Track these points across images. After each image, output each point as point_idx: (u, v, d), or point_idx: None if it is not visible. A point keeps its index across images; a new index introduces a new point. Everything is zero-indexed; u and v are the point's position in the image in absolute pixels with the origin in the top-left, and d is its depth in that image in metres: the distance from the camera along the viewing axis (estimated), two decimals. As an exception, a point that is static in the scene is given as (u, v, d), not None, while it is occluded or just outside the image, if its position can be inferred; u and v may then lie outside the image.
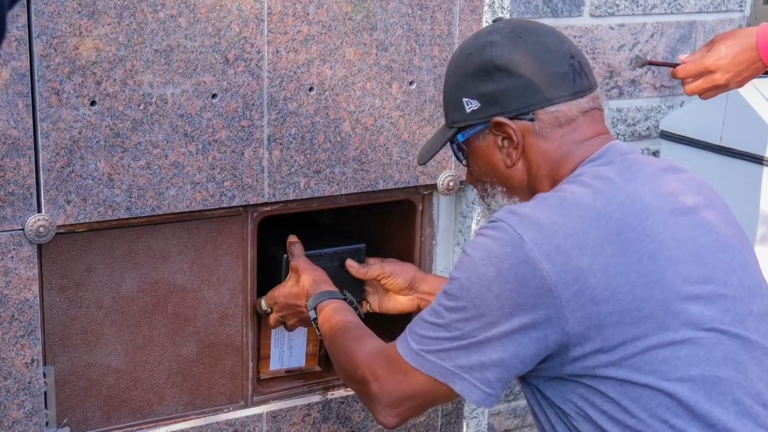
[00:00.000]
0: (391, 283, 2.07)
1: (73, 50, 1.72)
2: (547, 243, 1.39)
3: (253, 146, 1.92)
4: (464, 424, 2.30)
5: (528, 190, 1.58)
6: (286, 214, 2.07)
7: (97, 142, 1.78)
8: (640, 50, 2.72)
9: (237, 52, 1.87)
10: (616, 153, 1.53)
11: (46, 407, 1.88)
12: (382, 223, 2.30)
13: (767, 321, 1.49)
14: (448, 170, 2.15)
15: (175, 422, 2.04)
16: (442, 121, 1.71)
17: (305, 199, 2.02)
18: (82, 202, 1.79)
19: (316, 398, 2.17)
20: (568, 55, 1.55)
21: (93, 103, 1.76)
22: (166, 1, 1.78)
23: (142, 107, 1.80)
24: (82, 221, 1.80)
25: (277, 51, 1.91)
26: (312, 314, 1.89)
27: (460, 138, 1.62)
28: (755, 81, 2.36)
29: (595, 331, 1.39)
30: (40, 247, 1.81)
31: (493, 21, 1.65)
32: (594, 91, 1.57)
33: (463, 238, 2.25)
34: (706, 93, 2.04)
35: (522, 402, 2.85)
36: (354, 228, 2.33)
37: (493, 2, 2.10)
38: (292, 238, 2.07)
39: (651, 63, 2.25)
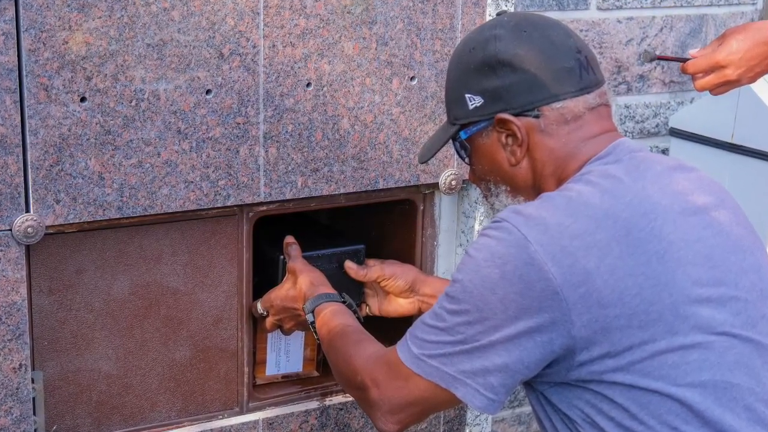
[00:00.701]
0: (392, 285, 2.07)
1: (63, 44, 1.73)
2: (553, 244, 1.39)
3: (248, 144, 1.92)
4: (467, 431, 2.30)
5: (533, 189, 1.58)
6: (282, 214, 2.07)
7: (88, 139, 1.78)
8: (649, 45, 2.72)
9: (232, 47, 1.87)
10: (624, 151, 1.53)
11: (34, 414, 1.88)
12: (382, 224, 2.30)
13: (780, 324, 1.49)
14: (450, 169, 2.15)
15: (168, 429, 2.04)
16: (444, 118, 1.72)
17: (303, 198, 2.02)
18: (71, 201, 1.79)
19: (313, 404, 2.17)
20: (574, 49, 1.55)
21: (83, 99, 1.76)
22: (158, -7, 1.78)
23: (133, 103, 1.81)
24: (71, 221, 1.80)
25: (274, 45, 1.91)
26: (309, 318, 1.89)
27: (462, 135, 1.62)
28: (768, 76, 2.36)
29: (602, 334, 1.39)
30: (28, 248, 1.81)
31: (497, 14, 1.65)
32: (601, 87, 1.57)
33: (466, 238, 2.25)
34: (717, 89, 2.04)
35: (527, 408, 2.85)
36: (353, 228, 2.33)
37: (497, -5, 2.11)
38: (289, 239, 2.07)
39: (660, 58, 2.25)
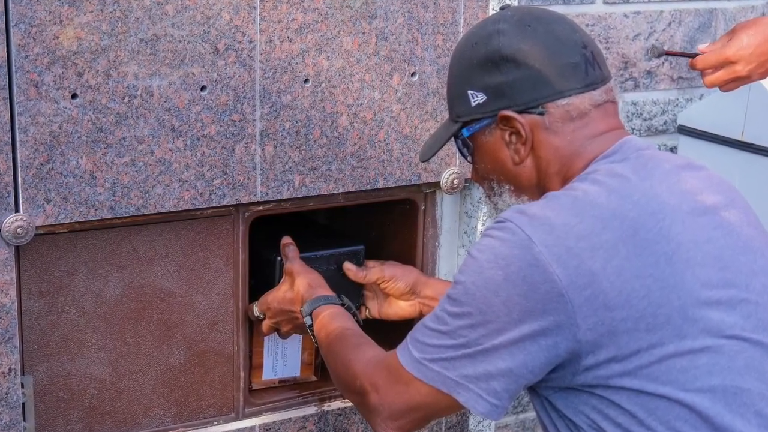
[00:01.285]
0: (392, 287, 2.07)
1: (53, 40, 1.72)
2: (558, 245, 1.39)
3: (244, 142, 1.92)
4: (469, 438, 2.30)
5: (537, 188, 1.58)
6: (279, 214, 2.07)
7: (79, 137, 1.78)
8: (657, 39, 2.72)
9: (227, 42, 1.87)
10: (631, 149, 1.53)
11: (24, 419, 1.87)
12: (382, 224, 2.30)
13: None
14: (452, 167, 2.15)
15: (162, 435, 2.04)
16: (446, 115, 1.72)
17: (300, 198, 2.02)
18: (62, 201, 1.79)
19: (311, 410, 2.17)
20: (580, 44, 1.55)
21: (74, 95, 1.76)
22: (152, -13, 1.78)
23: (126, 100, 1.80)
24: (62, 221, 1.80)
25: (271, 40, 1.91)
26: (307, 321, 1.89)
27: (465, 133, 1.62)
28: (779, 72, 2.35)
29: (608, 338, 1.39)
30: (17, 249, 1.81)
31: (501, 8, 1.65)
32: (607, 83, 1.57)
33: (468, 239, 2.25)
34: (726, 85, 2.03)
35: (531, 414, 2.85)
36: (352, 229, 2.33)
37: (500, -12, 2.11)
38: (286, 240, 2.07)
39: (668, 53, 2.25)
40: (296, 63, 1.94)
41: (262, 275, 2.11)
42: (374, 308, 2.12)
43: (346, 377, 1.66)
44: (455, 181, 2.16)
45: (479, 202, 2.20)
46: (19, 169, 1.74)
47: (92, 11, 1.74)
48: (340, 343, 1.74)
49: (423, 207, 2.21)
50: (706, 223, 1.47)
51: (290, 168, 1.98)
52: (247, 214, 2.01)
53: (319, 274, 2.00)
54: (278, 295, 2.00)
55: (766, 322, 1.46)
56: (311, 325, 1.88)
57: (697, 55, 2.05)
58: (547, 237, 1.40)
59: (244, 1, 1.86)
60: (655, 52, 2.29)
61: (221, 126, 1.89)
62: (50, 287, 1.88)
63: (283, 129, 1.96)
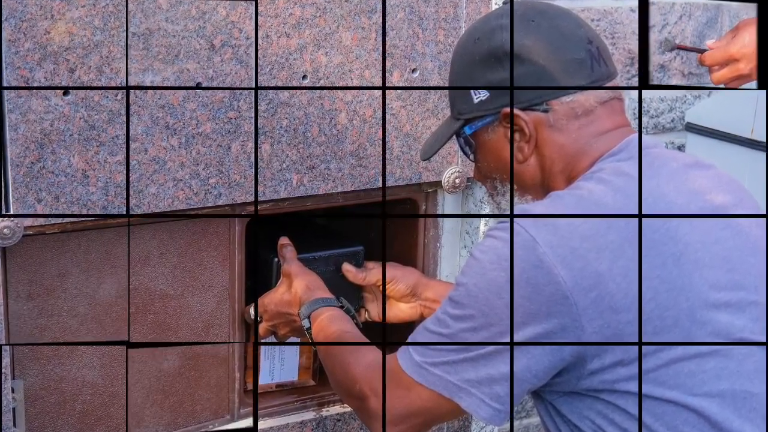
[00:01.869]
0: (392, 289, 2.07)
1: (45, 35, 1.72)
2: (563, 245, 1.39)
3: (240, 140, 1.92)
4: (472, 444, 2.30)
5: (541, 187, 1.58)
6: (277, 214, 2.07)
7: (71, 135, 1.78)
8: (669, 32, 2.72)
9: (224, 38, 1.87)
10: (637, 147, 1.53)
11: (14, 425, 1.87)
12: (382, 224, 2.30)
13: (802, 331, 1.49)
14: (454, 166, 2.15)
15: (156, 441, 2.04)
16: (448, 113, 1.72)
17: (298, 197, 2.02)
18: (54, 200, 1.79)
19: (309, 415, 2.17)
20: (585, 40, 1.55)
21: (66, 92, 1.76)
22: (145, -19, 1.78)
23: (119, 97, 1.80)
24: (53, 222, 1.80)
25: (268, 36, 1.91)
26: (305, 323, 1.89)
27: (467, 131, 1.62)
28: (789, 68, 2.35)
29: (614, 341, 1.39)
30: (3, 250, 1.81)
31: (503, 3, 1.65)
32: (614, 80, 1.57)
33: (471, 240, 2.25)
34: (731, 83, 2.04)
35: (535, 419, 2.85)
36: (351, 229, 2.33)
37: (504, -18, 2.11)
38: (284, 240, 2.07)
39: (680, 47, 2.25)
40: (294, 59, 1.94)
41: (259, 277, 2.11)
42: (374, 310, 2.12)
43: (345, 381, 1.66)
44: (457, 180, 2.16)
45: (482, 202, 2.20)
46: (9, 167, 1.74)
47: (84, 6, 1.74)
48: (339, 347, 1.74)
49: (424, 207, 2.21)
50: (714, 224, 1.47)
51: (288, 167, 1.98)
52: (243, 213, 2.01)
53: (318, 276, 2.00)
54: (275, 297, 2.00)
55: (775, 325, 1.46)
56: (309, 328, 1.88)
57: (706, 50, 2.05)
58: (551, 237, 1.40)
59: (240, -5, 1.87)
60: (667, 46, 2.29)
61: (217, 123, 1.89)
62: (40, 290, 1.88)
63: (281, 127, 1.96)
